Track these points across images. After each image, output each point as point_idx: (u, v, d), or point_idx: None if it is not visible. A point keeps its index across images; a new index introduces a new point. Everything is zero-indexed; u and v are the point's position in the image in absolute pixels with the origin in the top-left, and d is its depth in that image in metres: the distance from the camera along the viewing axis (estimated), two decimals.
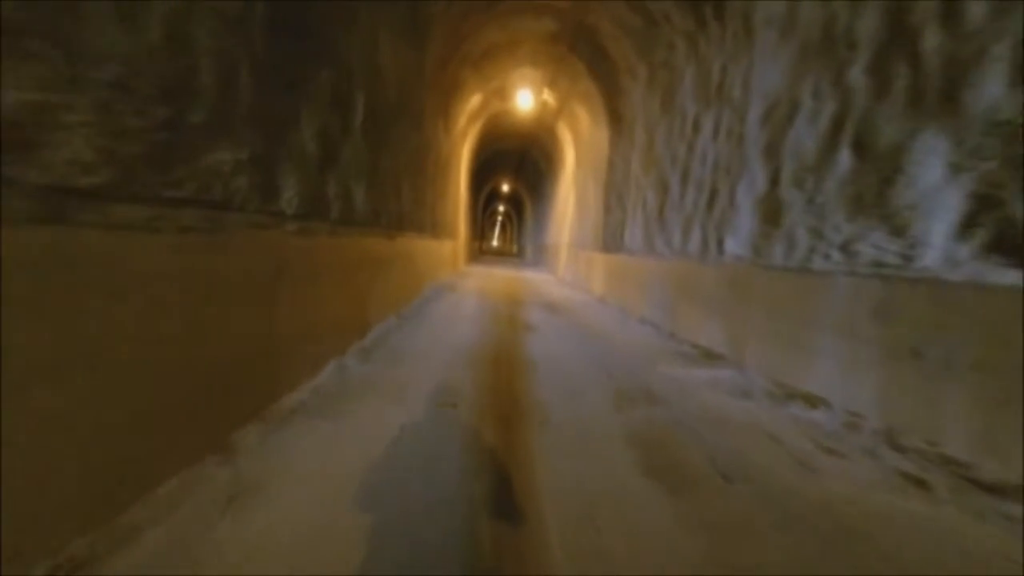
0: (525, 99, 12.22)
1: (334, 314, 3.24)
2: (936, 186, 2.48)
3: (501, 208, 36.30)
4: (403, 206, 5.60)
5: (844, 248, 3.06)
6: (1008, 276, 2.13)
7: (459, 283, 9.29)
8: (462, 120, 11.09)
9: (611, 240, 8.44)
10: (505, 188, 25.32)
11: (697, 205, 5.17)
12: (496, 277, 11.93)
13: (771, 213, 3.85)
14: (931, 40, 2.57)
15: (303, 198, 2.67)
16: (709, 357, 4.36)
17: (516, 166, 20.45)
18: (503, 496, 1.79)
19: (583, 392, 3.11)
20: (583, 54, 8.89)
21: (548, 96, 11.92)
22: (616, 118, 8.56)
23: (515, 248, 35.89)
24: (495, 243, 49.29)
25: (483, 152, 17.12)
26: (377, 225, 4.40)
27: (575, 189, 12.49)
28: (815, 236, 3.32)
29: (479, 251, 26.52)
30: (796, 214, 3.55)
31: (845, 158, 3.11)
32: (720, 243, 4.61)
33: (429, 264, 7.54)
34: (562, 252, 13.80)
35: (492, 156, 18.72)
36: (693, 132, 5.42)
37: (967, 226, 2.32)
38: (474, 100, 11.31)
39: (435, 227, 8.16)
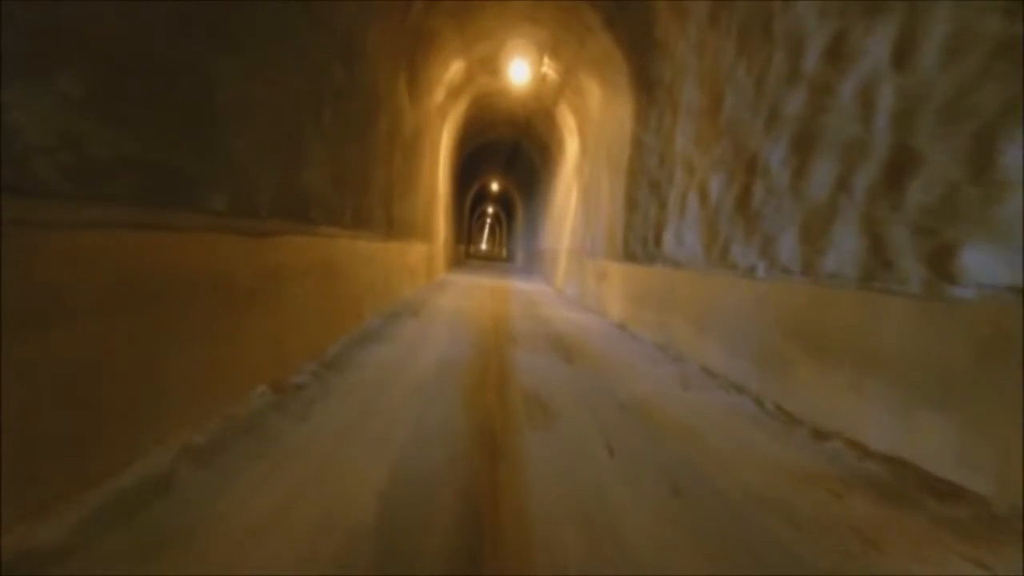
0: (520, 71, 9.79)
1: None
2: None
3: (490, 210, 33.89)
4: (309, 181, 3.12)
5: None
6: None
7: (429, 301, 6.80)
8: (439, 92, 8.62)
9: (638, 246, 6.03)
10: (495, 187, 22.87)
11: (849, 188, 2.76)
12: (481, 290, 9.45)
13: None
14: None
15: None
16: (951, 499, 1.93)
17: (507, 161, 18.01)
18: None
19: None
20: (600, 1, 6.49)
21: (549, 67, 9.50)
22: (646, 83, 6.15)
23: (504, 252, 33.47)
24: (484, 247, 46.96)
25: (469, 143, 14.67)
26: (196, 207, 1.91)
27: (579, 184, 10.07)
28: None
29: (466, 255, 24.04)
30: None
31: None
32: (946, 255, 2.19)
33: (380, 277, 5.06)
34: (561, 259, 11.38)
35: (480, 150, 16.27)
36: (828, 67, 3.01)
37: None
38: (455, 68, 8.85)
39: (393, 225, 5.67)
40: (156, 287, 1.67)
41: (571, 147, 10.88)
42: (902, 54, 2.49)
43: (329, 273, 3.52)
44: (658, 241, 5.39)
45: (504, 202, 27.83)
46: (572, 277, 9.95)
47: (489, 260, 26.81)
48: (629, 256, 6.37)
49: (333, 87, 3.47)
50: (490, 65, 9.87)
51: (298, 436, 2.13)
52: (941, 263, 2.18)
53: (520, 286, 11.27)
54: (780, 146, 3.39)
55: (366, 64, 4.28)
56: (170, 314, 1.74)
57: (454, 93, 9.73)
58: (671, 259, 5.02)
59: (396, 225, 5.85)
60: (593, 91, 8.61)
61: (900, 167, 2.42)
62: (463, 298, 7.58)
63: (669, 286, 4.94)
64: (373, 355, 3.53)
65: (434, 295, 7.47)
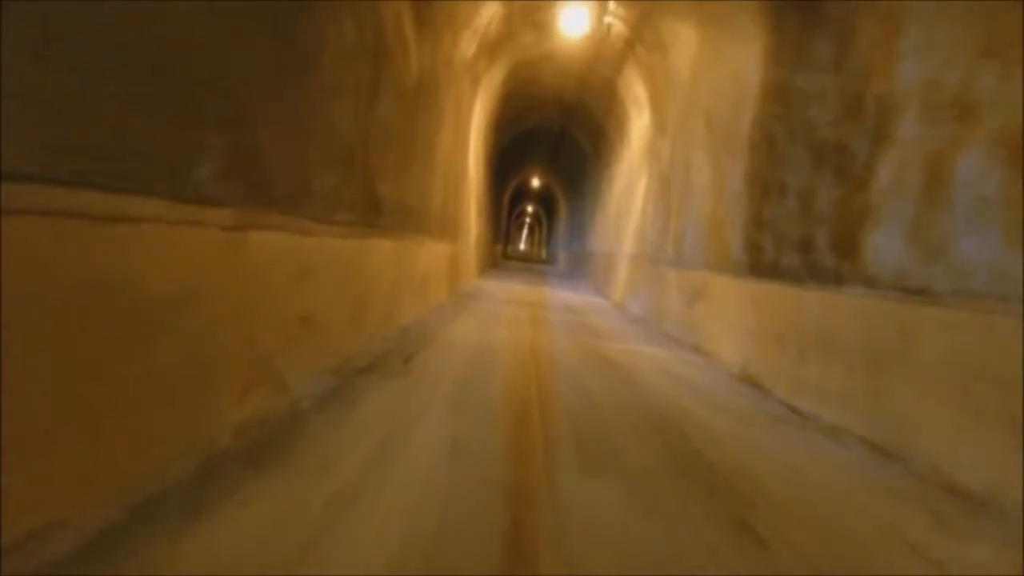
0: (574, 22, 7.37)
1: None
2: None
3: (530, 209, 31.59)
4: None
5: None
6: None
7: (440, 331, 4.44)
8: (467, 41, 6.30)
9: (786, 254, 3.52)
10: (535, 183, 20.50)
11: None
12: (519, 306, 7.07)
13: None
14: None
15: None
16: None
17: (551, 152, 15.58)
18: None
19: None
20: None
21: (614, 15, 7.05)
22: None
23: (544, 253, 31.05)
24: (522, 247, 44.83)
25: (508, 129, 12.33)
26: None
27: (652, 170, 7.58)
28: None
29: (503, 255, 21.75)
30: None
31: None
32: None
33: (340, 300, 2.72)
34: (621, 266, 8.89)
35: (520, 138, 13.92)
36: None
37: None
38: (490, 14, 6.52)
39: (379, 211, 3.36)
40: None
41: (638, 125, 8.38)
42: None
43: (124, 314, 1.22)
44: (849, 247, 2.88)
45: (545, 200, 25.43)
46: (639, 289, 7.47)
47: (527, 261, 24.46)
48: (759, 268, 3.87)
49: None
50: (535, 16, 7.50)
51: None
52: None
53: (567, 298, 8.85)
54: None
55: None
56: None
57: (488, 50, 7.40)
58: (897, 281, 2.51)
59: (388, 212, 3.55)
60: (683, 40, 6.11)
61: None
62: (492, 321, 5.21)
63: (896, 332, 2.43)
64: (183, 556, 1.20)
65: (452, 317, 5.14)
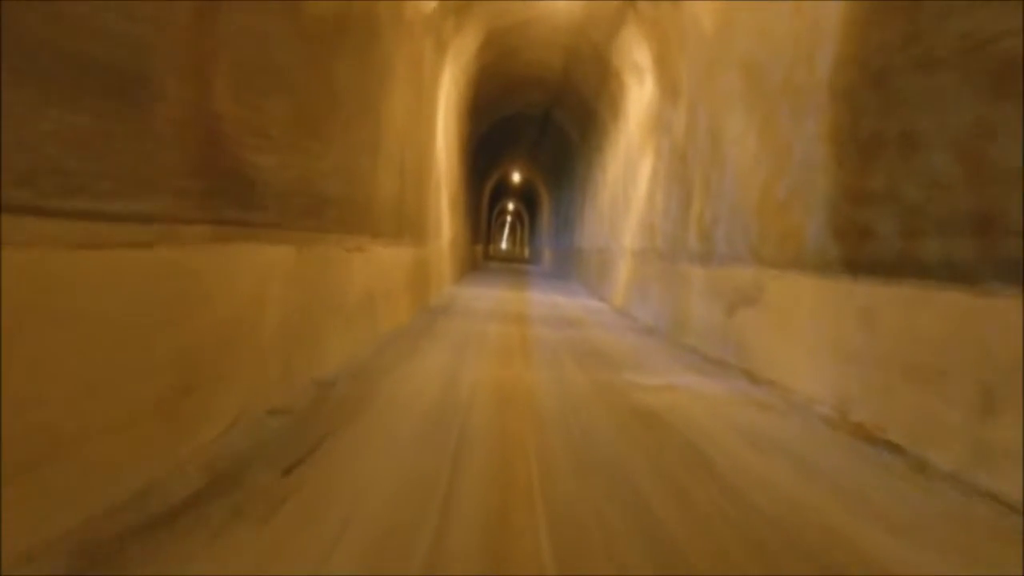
0: None
1: None
2: None
3: (511, 207, 30.24)
4: None
5: None
6: None
7: (384, 384, 3.01)
8: None
9: (927, 234, 2.15)
10: (516, 178, 19.12)
11: None
12: (502, 321, 5.66)
13: None
14: None
15: None
16: None
17: (532, 143, 14.22)
18: None
19: None
20: None
21: None
22: None
23: (527, 252, 29.68)
24: (504, 246, 43.57)
25: (485, 116, 10.91)
26: None
27: (661, 146, 6.24)
28: None
29: (484, 256, 20.33)
30: None
31: None
32: None
33: (172, 365, 1.30)
34: (621, 264, 7.54)
35: (499, 127, 12.51)
36: None
37: None
38: None
39: (257, 206, 1.91)
40: None
41: (639, 97, 7.03)
42: None
43: None
44: None
45: (527, 196, 24.07)
46: (647, 292, 6.12)
47: (510, 261, 23.05)
48: (864, 261, 2.52)
49: None
50: None
51: None
52: None
53: (560, 304, 7.47)
54: None
55: None
56: None
57: (456, 9, 5.97)
58: None
59: (278, 202, 2.11)
60: None
61: None
62: (467, 351, 3.79)
63: None
64: None
65: (409, 349, 3.70)
